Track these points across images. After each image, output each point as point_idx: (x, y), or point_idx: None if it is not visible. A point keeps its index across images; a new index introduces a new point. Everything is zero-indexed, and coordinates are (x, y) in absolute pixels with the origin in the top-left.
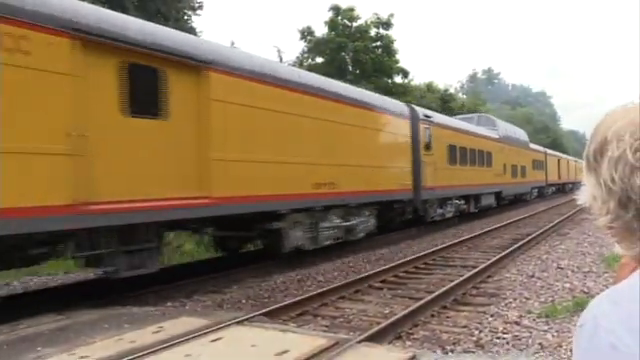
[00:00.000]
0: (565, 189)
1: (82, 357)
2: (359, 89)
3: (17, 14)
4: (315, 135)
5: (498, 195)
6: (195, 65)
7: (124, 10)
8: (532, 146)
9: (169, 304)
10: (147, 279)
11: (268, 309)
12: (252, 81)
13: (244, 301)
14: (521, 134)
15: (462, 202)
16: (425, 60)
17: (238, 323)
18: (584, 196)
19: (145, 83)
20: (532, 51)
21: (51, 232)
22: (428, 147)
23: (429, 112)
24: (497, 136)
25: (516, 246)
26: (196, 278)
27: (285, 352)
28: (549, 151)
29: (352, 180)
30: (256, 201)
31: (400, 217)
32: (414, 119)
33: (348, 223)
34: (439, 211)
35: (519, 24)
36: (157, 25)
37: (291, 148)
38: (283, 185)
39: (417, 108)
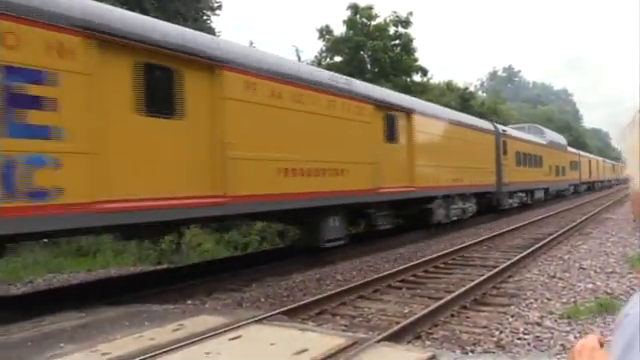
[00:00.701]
0: (595, 187)
1: (104, 354)
2: (466, 115)
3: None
4: (452, 150)
5: (546, 191)
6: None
7: (143, 11)
8: (569, 149)
9: (189, 302)
10: (167, 277)
11: (287, 308)
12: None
13: (263, 300)
14: (561, 139)
15: (524, 195)
16: (445, 58)
17: (257, 322)
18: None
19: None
20: (554, 48)
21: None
22: (505, 153)
23: (504, 127)
24: (544, 142)
25: (537, 246)
26: (215, 276)
27: (304, 351)
28: (582, 153)
29: (467, 177)
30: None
31: (487, 204)
32: (497, 134)
33: (464, 206)
34: (509, 201)
35: (540, 20)
36: (171, 24)
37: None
38: (435, 178)
39: (498, 125)
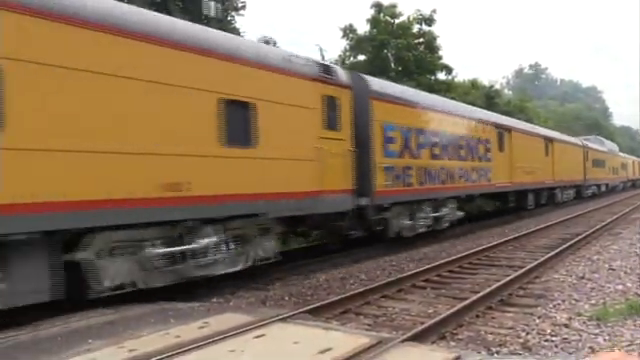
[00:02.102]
0: (635, 184)
1: (130, 350)
2: (563, 135)
3: None
4: (554, 158)
5: (607, 185)
6: None
7: (169, 12)
8: (619, 153)
9: (214, 300)
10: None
11: (311, 307)
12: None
13: (287, 298)
14: (614, 146)
15: (596, 188)
16: (469, 56)
17: (281, 320)
18: None
19: None
20: (582, 44)
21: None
22: (587, 160)
23: (587, 140)
24: (606, 150)
25: (565, 246)
26: (239, 275)
27: (328, 350)
28: (627, 155)
29: (566, 175)
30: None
31: (577, 193)
32: (584, 147)
33: (568, 192)
34: (587, 191)
35: (568, 13)
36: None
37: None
38: (530, 177)
39: (584, 141)
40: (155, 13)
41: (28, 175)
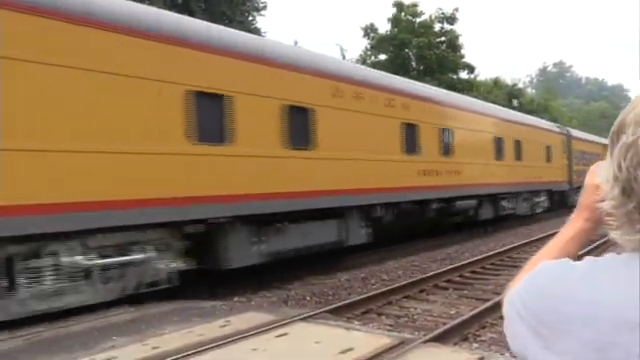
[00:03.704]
0: None
1: (154, 347)
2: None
3: None
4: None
5: None
6: None
7: (191, 13)
8: None
9: (235, 299)
10: (213, 273)
11: (332, 306)
12: None
13: (308, 298)
14: None
15: None
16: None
17: (303, 319)
18: (601, 175)
19: None
20: (608, 42)
21: None
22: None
23: None
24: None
25: (590, 247)
26: (261, 274)
27: (349, 350)
28: None
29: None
30: None
31: None
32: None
33: None
34: None
35: (594, 12)
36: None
37: None
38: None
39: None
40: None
41: None
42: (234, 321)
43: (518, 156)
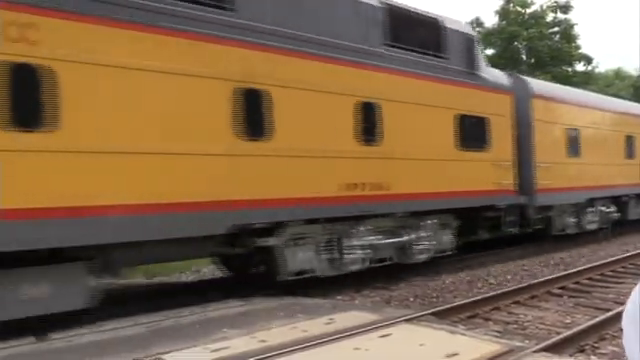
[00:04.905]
0: None
1: (261, 341)
2: None
3: None
4: None
5: None
6: None
7: None
8: None
9: (338, 297)
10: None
11: (437, 309)
12: None
13: (412, 299)
14: None
15: None
16: (613, 44)
17: (407, 321)
18: None
19: None
20: None
21: None
22: None
23: None
24: None
25: None
26: (363, 274)
27: (455, 355)
28: None
29: None
30: None
31: None
32: None
33: None
34: None
35: None
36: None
37: None
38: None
39: None
40: None
41: None
42: (337, 319)
43: None
